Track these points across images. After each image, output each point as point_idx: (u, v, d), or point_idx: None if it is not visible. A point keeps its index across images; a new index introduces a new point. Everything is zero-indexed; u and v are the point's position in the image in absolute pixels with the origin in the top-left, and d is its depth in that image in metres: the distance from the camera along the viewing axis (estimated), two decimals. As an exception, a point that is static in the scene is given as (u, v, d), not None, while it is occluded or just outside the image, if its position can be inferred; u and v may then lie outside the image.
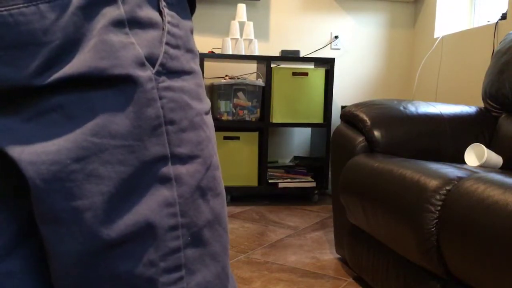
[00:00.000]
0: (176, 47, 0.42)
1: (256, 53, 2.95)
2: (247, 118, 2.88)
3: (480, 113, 1.93)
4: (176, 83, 0.41)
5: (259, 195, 3.18)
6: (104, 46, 0.37)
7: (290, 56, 2.89)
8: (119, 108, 0.38)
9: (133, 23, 0.39)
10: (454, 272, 1.14)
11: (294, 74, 2.90)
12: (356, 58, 3.34)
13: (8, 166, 0.39)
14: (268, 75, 2.84)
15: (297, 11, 3.23)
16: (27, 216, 0.40)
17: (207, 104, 0.46)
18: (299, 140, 3.33)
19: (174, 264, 0.41)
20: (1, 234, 0.40)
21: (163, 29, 0.41)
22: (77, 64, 0.36)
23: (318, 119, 2.96)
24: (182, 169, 0.41)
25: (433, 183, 1.22)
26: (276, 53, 3.22)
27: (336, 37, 3.28)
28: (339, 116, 3.36)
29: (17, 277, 0.40)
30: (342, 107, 3.16)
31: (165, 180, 0.40)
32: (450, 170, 1.27)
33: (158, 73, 0.40)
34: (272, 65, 2.98)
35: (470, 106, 1.97)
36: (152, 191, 0.39)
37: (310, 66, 3.21)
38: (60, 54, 0.36)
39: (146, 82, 0.39)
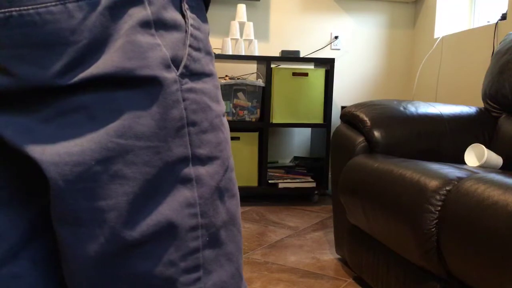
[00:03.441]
0: (197, 49, 0.42)
1: (256, 54, 2.95)
2: (247, 119, 2.88)
3: (480, 113, 1.93)
4: (197, 85, 0.42)
5: (259, 195, 3.18)
6: (132, 47, 0.37)
7: (290, 56, 2.89)
8: (145, 109, 0.37)
9: (159, 24, 0.39)
10: (454, 272, 1.14)
11: (294, 74, 2.90)
12: (356, 58, 3.34)
13: (24, 165, 0.39)
14: (268, 76, 2.84)
15: (297, 11, 3.24)
16: (36, 217, 0.40)
17: (223, 106, 0.46)
18: (299, 141, 3.33)
19: (193, 264, 0.41)
20: (9, 236, 0.39)
21: (186, 31, 0.42)
22: (104, 64, 0.36)
23: (318, 119, 2.96)
24: (202, 170, 0.41)
25: (433, 183, 1.22)
26: (276, 53, 3.22)
27: (336, 37, 3.28)
28: (339, 116, 3.36)
29: (23, 280, 0.40)
30: (342, 107, 3.16)
31: (186, 181, 0.40)
32: (450, 171, 1.27)
33: (181, 75, 0.40)
34: (272, 66, 2.98)
35: (470, 107, 1.97)
36: (174, 192, 0.39)
37: (310, 66, 3.21)
38: (86, 54, 0.36)
39: (172, 83, 0.39)
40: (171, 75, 0.39)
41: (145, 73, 0.37)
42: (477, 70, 2.66)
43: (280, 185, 2.89)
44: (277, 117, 2.90)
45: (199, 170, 0.41)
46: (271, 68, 2.86)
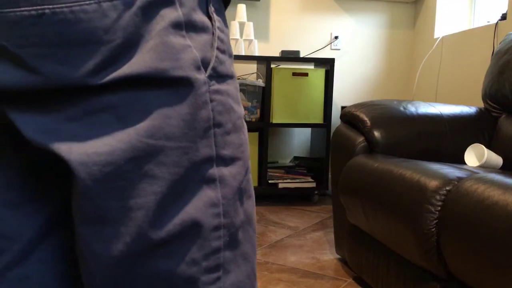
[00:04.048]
0: (223, 51, 0.43)
1: (256, 54, 2.95)
2: (247, 119, 2.88)
3: (480, 113, 1.93)
4: (222, 86, 0.42)
5: (259, 195, 3.18)
6: (165, 48, 0.37)
7: (290, 56, 2.89)
8: (176, 110, 0.37)
9: (189, 26, 0.39)
10: (454, 273, 1.14)
11: (294, 74, 2.90)
12: (356, 58, 3.34)
13: (38, 165, 0.39)
14: (268, 76, 2.84)
15: (297, 11, 3.24)
16: (49, 217, 0.40)
17: (243, 108, 0.47)
18: (299, 141, 3.33)
19: (215, 264, 0.41)
20: (21, 237, 0.39)
21: (213, 33, 0.42)
22: (136, 64, 0.36)
23: (318, 119, 2.96)
24: (225, 171, 0.42)
25: (433, 183, 1.22)
26: (276, 53, 3.22)
27: (336, 37, 3.28)
28: (339, 116, 3.36)
29: (33, 281, 0.40)
30: (342, 108, 3.16)
31: (211, 181, 0.40)
32: (450, 171, 1.27)
33: (209, 77, 0.40)
34: (272, 66, 2.98)
35: (470, 107, 1.97)
36: (199, 192, 0.40)
37: (310, 66, 3.21)
38: (119, 53, 0.35)
39: (202, 85, 0.39)
40: (202, 76, 0.39)
41: (178, 74, 0.37)
42: (477, 70, 2.66)
43: (280, 185, 2.89)
44: (277, 117, 2.90)
45: (222, 170, 0.41)
46: (271, 68, 2.86)
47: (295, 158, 3.28)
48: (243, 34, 2.94)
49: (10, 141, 0.39)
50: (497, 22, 2.48)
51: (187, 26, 0.39)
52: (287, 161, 3.33)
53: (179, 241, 0.38)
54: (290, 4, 3.22)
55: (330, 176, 3.17)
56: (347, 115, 1.85)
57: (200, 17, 0.40)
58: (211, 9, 0.42)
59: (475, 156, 1.64)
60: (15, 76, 0.34)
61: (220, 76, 0.42)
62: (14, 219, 0.39)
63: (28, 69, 0.34)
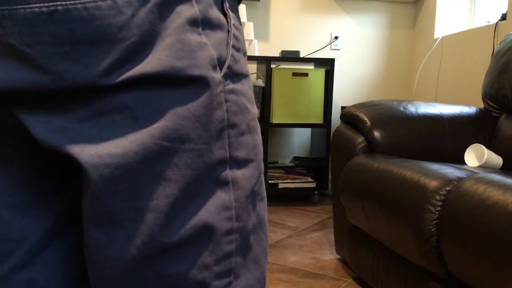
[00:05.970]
0: (238, 50, 0.42)
1: (256, 54, 2.95)
2: (247, 119, 2.88)
3: (480, 113, 1.93)
4: (237, 86, 0.41)
5: (259, 195, 3.18)
6: (182, 46, 0.35)
7: (290, 56, 2.89)
8: (191, 111, 0.36)
9: (205, 23, 0.38)
10: (454, 273, 1.14)
11: (294, 74, 2.90)
12: (356, 58, 3.34)
13: (46, 168, 0.38)
14: (268, 76, 2.84)
15: (297, 12, 3.24)
16: (55, 220, 0.39)
17: (256, 108, 0.46)
18: (299, 141, 3.33)
19: (226, 269, 0.40)
20: (28, 240, 0.38)
21: (228, 31, 0.41)
22: (152, 63, 0.34)
23: (318, 119, 2.96)
24: (238, 173, 0.41)
25: (433, 183, 1.22)
26: (276, 53, 3.22)
27: (336, 37, 3.28)
28: (339, 116, 3.36)
29: (38, 285, 0.39)
30: (342, 108, 3.16)
31: (223, 184, 0.39)
32: (450, 171, 1.27)
33: (224, 76, 0.39)
34: (272, 66, 2.98)
35: (470, 107, 1.97)
36: (211, 194, 0.38)
37: (310, 66, 3.21)
38: (134, 52, 0.34)
39: (217, 84, 0.38)
40: (217, 75, 0.38)
41: (195, 73, 0.36)
42: (477, 70, 2.66)
43: (280, 185, 2.89)
44: (277, 117, 2.90)
45: (235, 173, 0.40)
46: (271, 68, 2.86)
47: (295, 158, 3.28)
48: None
49: (17, 143, 0.38)
50: (497, 22, 2.48)
51: (203, 23, 0.37)
52: (287, 161, 3.33)
53: (191, 245, 0.37)
54: (290, 4, 3.22)
55: (330, 176, 3.17)
56: (347, 115, 1.85)
57: (215, 13, 0.39)
58: (226, 5, 0.41)
59: (475, 156, 1.64)
60: (25, 76, 0.33)
61: (235, 75, 0.41)
62: (21, 222, 0.38)
63: (38, 69, 0.33)
